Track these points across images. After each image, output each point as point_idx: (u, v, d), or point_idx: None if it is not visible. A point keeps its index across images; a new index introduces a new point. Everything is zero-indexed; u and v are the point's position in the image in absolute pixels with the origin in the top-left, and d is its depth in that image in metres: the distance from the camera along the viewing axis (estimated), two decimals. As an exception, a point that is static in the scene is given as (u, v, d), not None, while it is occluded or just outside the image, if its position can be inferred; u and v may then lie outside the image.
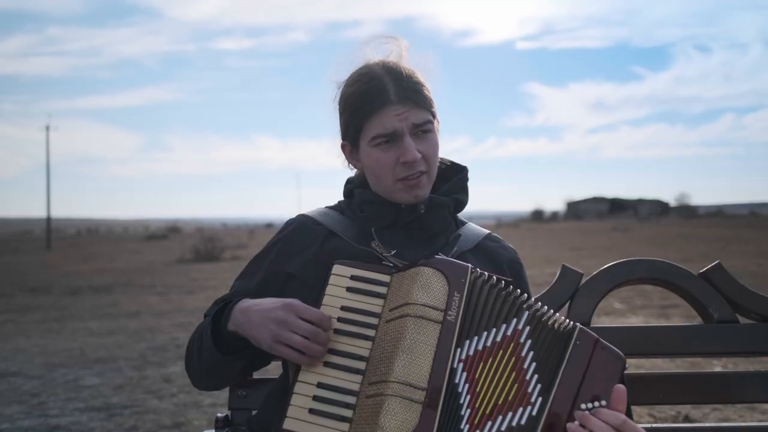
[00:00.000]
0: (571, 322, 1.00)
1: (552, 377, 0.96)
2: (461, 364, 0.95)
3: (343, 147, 1.23)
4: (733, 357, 1.27)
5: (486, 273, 1.01)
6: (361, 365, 0.97)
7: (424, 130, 1.14)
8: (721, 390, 1.24)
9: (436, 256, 1.01)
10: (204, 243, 18.52)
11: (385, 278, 1.02)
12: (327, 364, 0.98)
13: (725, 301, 1.25)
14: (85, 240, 41.84)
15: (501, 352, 0.96)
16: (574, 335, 0.97)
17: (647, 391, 1.24)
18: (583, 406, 0.94)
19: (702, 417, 3.58)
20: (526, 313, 0.98)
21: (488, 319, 0.97)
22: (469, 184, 1.24)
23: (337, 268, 1.03)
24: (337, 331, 1.00)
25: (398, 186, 1.14)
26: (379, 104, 1.12)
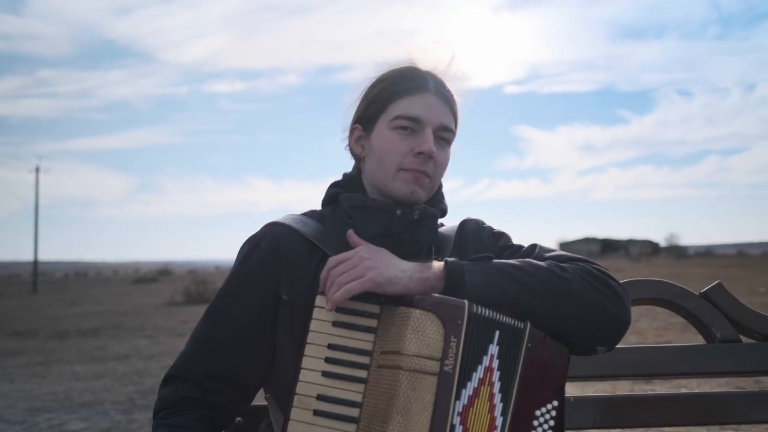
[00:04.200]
0: (521, 323, 0.92)
1: (509, 391, 0.90)
2: (459, 418, 0.86)
3: (352, 130, 1.13)
4: (738, 377, 1.26)
5: (483, 308, 0.89)
6: (355, 412, 0.88)
7: (445, 138, 1.09)
8: (723, 410, 1.22)
9: (433, 295, 0.90)
10: (196, 285, 18.28)
11: (374, 309, 0.92)
12: (318, 413, 0.89)
13: (728, 321, 1.24)
14: (73, 283, 41.25)
15: (482, 388, 0.88)
16: (525, 337, 0.91)
17: (649, 413, 1.21)
18: (538, 412, 0.90)
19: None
20: (497, 332, 0.90)
21: (476, 357, 0.88)
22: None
23: (320, 299, 0.93)
24: (326, 374, 0.90)
25: (400, 174, 1.06)
26: (415, 87, 1.06)
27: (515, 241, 1.17)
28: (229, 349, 1.03)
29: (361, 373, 0.90)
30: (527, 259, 0.98)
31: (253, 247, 1.05)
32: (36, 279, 33.67)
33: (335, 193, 1.12)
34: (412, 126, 1.05)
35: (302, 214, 1.11)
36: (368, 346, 0.90)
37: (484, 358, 0.88)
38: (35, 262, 36.50)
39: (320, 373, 0.90)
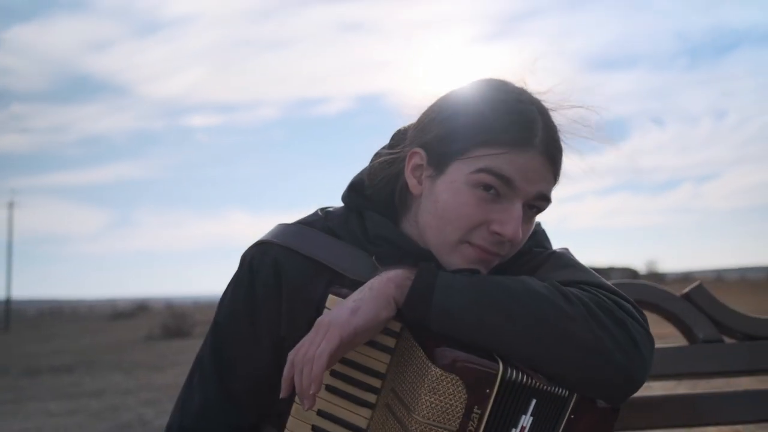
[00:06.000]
0: (565, 391, 0.77)
1: None
2: None
3: (411, 154, 0.86)
4: (721, 377, 1.25)
5: (521, 372, 0.74)
6: None
7: (538, 207, 0.86)
8: (707, 412, 1.21)
9: (456, 353, 0.74)
10: (174, 318, 17.95)
11: (395, 326, 0.79)
12: (316, 430, 0.80)
13: (710, 321, 1.25)
14: (47, 321, 40.16)
15: None
16: (569, 408, 0.77)
17: (633, 416, 1.20)
18: None
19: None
20: (534, 401, 0.76)
21: (503, 429, 0.75)
22: None
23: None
24: (330, 389, 0.80)
25: (463, 248, 0.83)
26: (516, 142, 0.80)
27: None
28: (248, 398, 0.91)
29: (370, 398, 0.80)
30: (524, 278, 0.78)
31: (251, 281, 0.89)
32: (9, 316, 32.73)
33: (359, 206, 0.90)
34: (498, 188, 0.80)
35: (301, 224, 0.92)
36: (382, 368, 0.79)
37: (513, 431, 0.76)
38: (8, 300, 35.55)
39: (324, 386, 0.80)
